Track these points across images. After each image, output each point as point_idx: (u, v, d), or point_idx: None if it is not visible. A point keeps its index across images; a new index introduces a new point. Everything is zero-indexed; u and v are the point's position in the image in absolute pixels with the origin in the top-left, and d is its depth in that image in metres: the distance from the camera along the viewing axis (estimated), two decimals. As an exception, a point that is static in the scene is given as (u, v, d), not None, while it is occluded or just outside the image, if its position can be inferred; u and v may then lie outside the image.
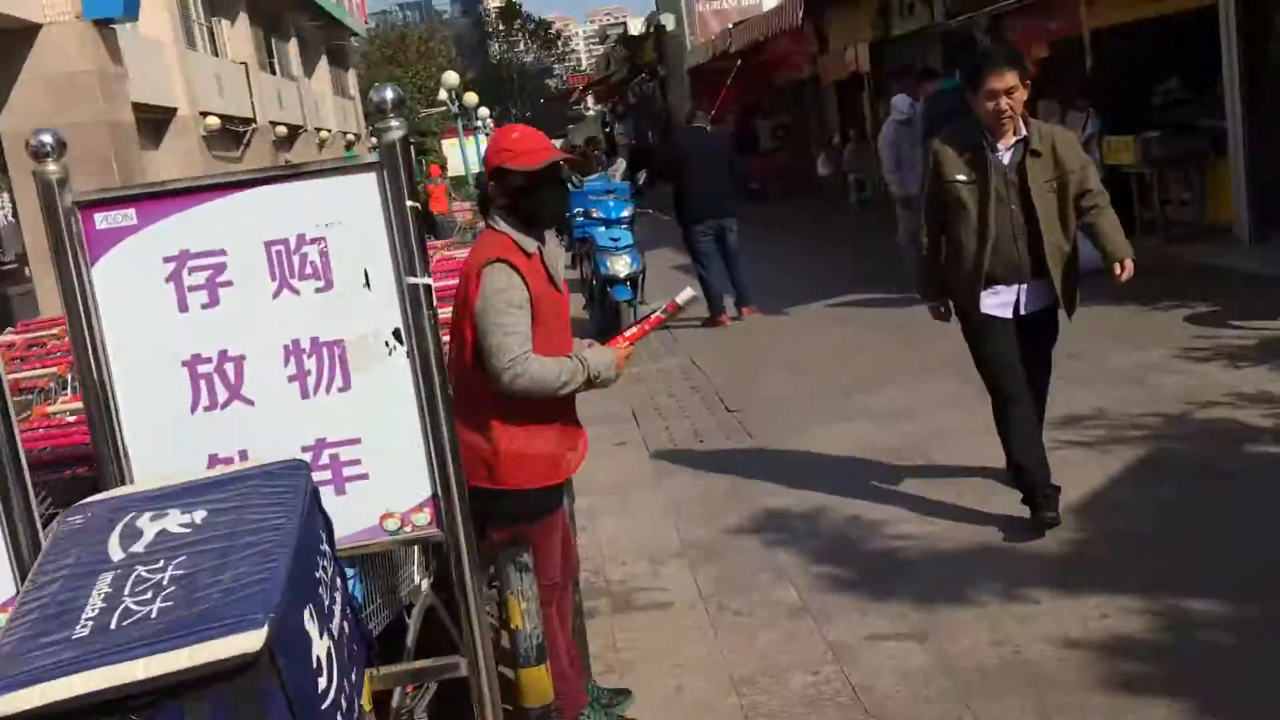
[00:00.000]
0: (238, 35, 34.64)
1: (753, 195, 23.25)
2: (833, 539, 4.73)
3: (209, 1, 34.05)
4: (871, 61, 17.16)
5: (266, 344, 2.72)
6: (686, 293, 3.41)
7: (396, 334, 2.71)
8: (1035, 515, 4.41)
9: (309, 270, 2.70)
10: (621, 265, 9.32)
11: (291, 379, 2.73)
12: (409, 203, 2.67)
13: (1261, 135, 9.32)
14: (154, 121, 27.33)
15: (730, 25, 18.24)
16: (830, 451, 5.88)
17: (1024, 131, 4.31)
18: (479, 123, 48.97)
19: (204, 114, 28.46)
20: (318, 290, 2.71)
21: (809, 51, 19.45)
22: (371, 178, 2.68)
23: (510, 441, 3.13)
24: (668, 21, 25.81)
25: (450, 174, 23.26)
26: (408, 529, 2.78)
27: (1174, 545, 4.21)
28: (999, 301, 4.45)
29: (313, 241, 2.70)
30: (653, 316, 3.38)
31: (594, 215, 9.60)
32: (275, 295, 2.71)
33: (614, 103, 35.30)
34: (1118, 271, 4.40)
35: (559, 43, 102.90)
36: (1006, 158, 4.33)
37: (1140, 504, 4.62)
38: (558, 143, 43.31)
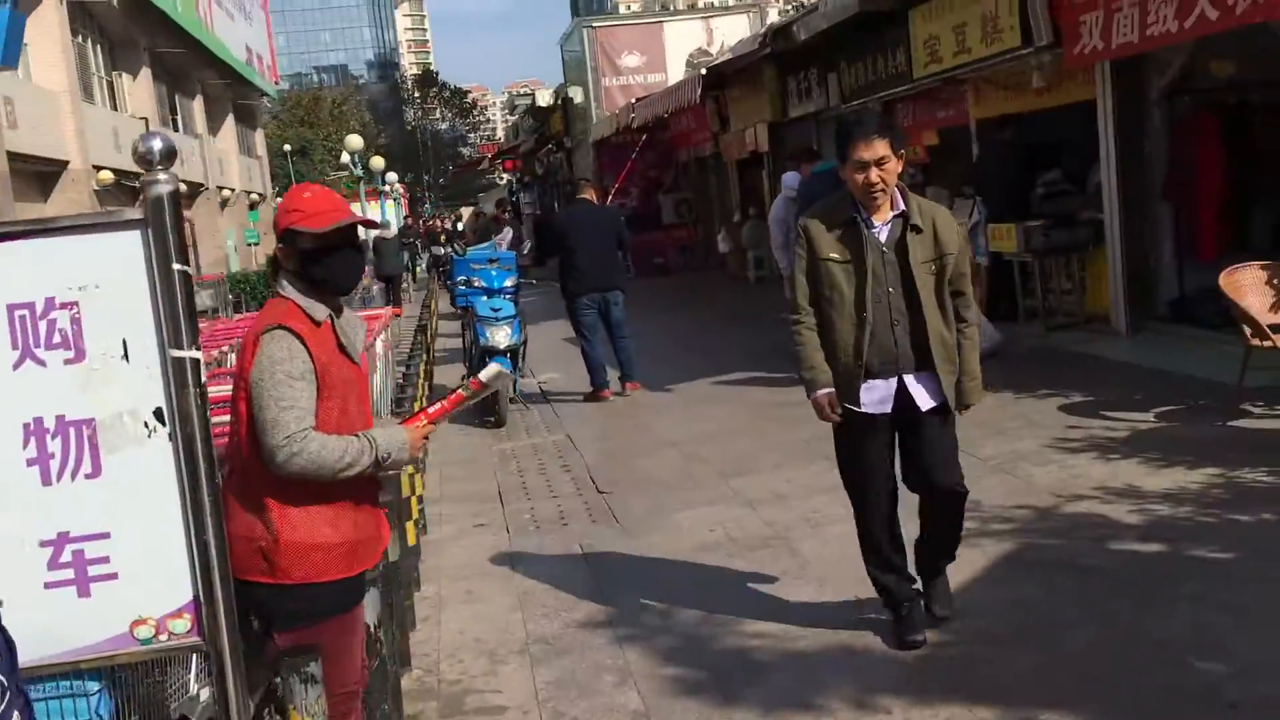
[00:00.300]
0: (139, 90, 33.96)
1: (655, 269, 23.34)
2: (686, 636, 4.46)
3: (110, 55, 33.42)
4: (770, 141, 17.31)
5: (3, 422, 2.39)
6: (491, 368, 3.14)
7: (158, 414, 2.41)
8: (899, 634, 4.13)
9: (57, 339, 2.39)
10: (501, 336, 9.05)
11: (31, 463, 2.40)
12: (177, 265, 2.38)
13: (1137, 229, 9.48)
14: (42, 174, 26.49)
15: (633, 100, 18.31)
16: (696, 538, 5.64)
17: (901, 205, 3.96)
18: (386, 187, 48.89)
19: (98, 168, 27.68)
20: (67, 362, 2.40)
21: (711, 129, 19.59)
22: (135, 236, 2.39)
23: (293, 530, 2.80)
24: (575, 94, 25.91)
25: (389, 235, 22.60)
26: (163, 637, 2.45)
27: (1034, 648, 4.03)
28: (876, 398, 4.00)
29: (63, 306, 2.39)
30: (455, 394, 3.10)
31: (476, 284, 9.33)
32: (16, 366, 2.39)
33: (521, 172, 35.30)
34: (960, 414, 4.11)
35: (474, 112, 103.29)
36: (883, 234, 3.96)
37: (1003, 604, 4.45)
38: (466, 211, 43.15)
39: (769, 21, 20.87)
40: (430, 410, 3.04)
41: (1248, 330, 6.40)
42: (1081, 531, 5.11)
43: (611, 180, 23.34)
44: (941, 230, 3.98)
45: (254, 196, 48.33)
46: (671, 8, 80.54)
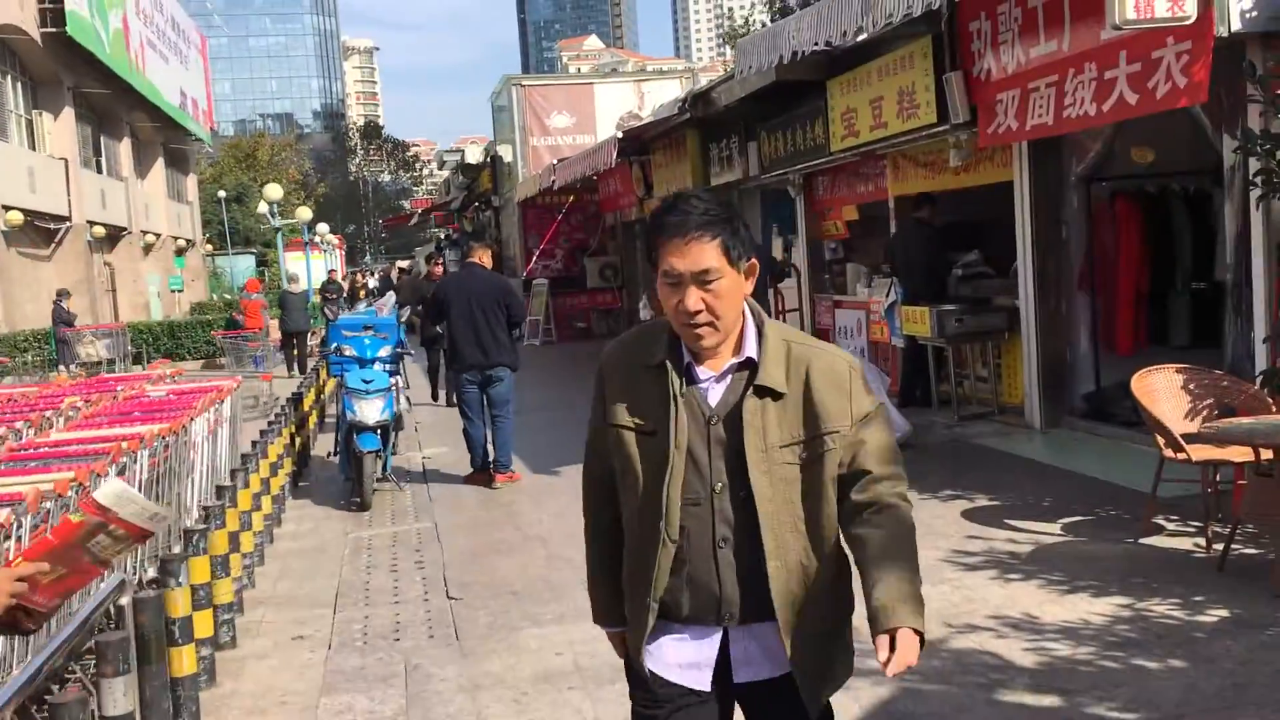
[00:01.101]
0: (60, 129, 32.87)
1: (577, 333, 22.73)
2: (491, 804, 3.72)
3: (31, 93, 32.36)
4: (693, 209, 16.82)
5: None
6: (110, 487, 2.20)
7: None
8: None
9: None
10: (371, 411, 8.30)
11: None
12: None
13: (1053, 317, 9.03)
14: (-57, 212, 25.33)
15: (555, 161, 17.81)
16: (540, 663, 4.92)
17: (747, 350, 2.32)
18: (314, 238, 47.93)
19: (6, 208, 26.58)
20: None
21: (637, 194, 19.12)
22: None
23: None
24: (504, 152, 25.40)
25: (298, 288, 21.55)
26: None
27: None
28: (682, 658, 2.36)
29: None
30: (64, 523, 2.23)
31: (346, 353, 8.59)
32: None
33: (452, 229, 34.63)
34: (882, 657, 2.11)
35: (416, 165, 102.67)
36: (712, 393, 2.33)
37: (868, 771, 3.78)
38: (405, 263, 41.97)
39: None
40: (36, 543, 2.20)
41: (1161, 440, 5.87)
42: (970, 674, 4.46)
43: (536, 241, 22.79)
44: (820, 391, 2.28)
45: (181, 242, 47.18)
46: (620, 71, 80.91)
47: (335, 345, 8.71)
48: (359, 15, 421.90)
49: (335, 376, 8.79)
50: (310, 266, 36.84)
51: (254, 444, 7.33)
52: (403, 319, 9.19)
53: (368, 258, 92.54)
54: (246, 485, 6.30)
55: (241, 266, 52.53)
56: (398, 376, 11.44)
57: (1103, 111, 7.25)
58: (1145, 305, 8.75)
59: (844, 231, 12.88)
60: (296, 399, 9.87)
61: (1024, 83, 8.13)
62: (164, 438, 5.16)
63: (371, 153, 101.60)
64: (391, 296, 11.28)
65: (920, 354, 10.45)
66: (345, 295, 27.43)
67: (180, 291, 43.54)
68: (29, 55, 30.90)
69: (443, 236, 37.29)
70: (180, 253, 46.68)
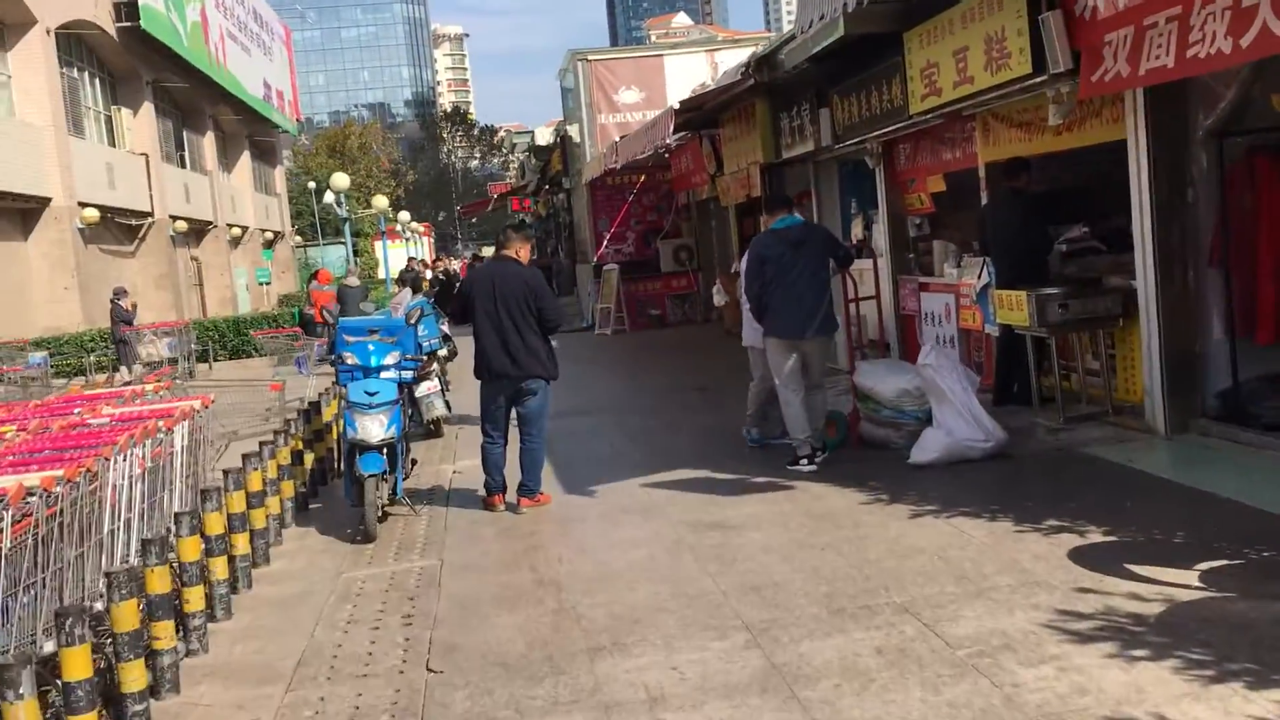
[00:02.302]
0: (140, 125, 32.81)
1: (651, 321, 21.57)
2: None
3: (110, 89, 32.30)
4: (765, 184, 15.52)
5: None
6: None
7: None
8: None
9: None
10: (375, 428, 7.25)
11: None
12: None
13: (1179, 301, 7.56)
14: (23, 211, 25.24)
15: (617, 138, 16.63)
16: (510, 781, 3.79)
17: None
18: (398, 226, 47.61)
19: (83, 205, 26.45)
20: None
21: (709, 172, 17.85)
22: None
23: None
24: (573, 132, 24.29)
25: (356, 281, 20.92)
26: None
27: None
28: None
29: None
30: None
31: (349, 361, 7.55)
32: None
33: (527, 212, 33.74)
34: None
35: (504, 150, 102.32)
36: None
37: None
38: (490, 251, 41.38)
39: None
40: None
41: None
42: (1082, 821, 3.20)
43: (607, 225, 21.67)
44: None
45: (269, 234, 47.26)
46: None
47: (337, 352, 7.68)
48: (448, 2, 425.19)
49: (343, 386, 7.76)
50: (387, 256, 36.43)
51: (226, 474, 6.34)
52: (442, 324, 8.08)
53: (459, 245, 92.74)
54: (195, 532, 5.28)
55: (333, 257, 52.63)
56: (428, 382, 10.50)
57: (1240, 48, 5.80)
58: (1292, 285, 7.24)
59: (929, 205, 11.45)
60: (311, 409, 8.90)
61: (1138, 18, 6.68)
62: (48, 490, 4.14)
63: (459, 138, 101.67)
64: (408, 293, 10.27)
65: (1018, 344, 9.04)
66: (430, 285, 26.64)
67: (268, 284, 43.57)
68: (105, 51, 30.80)
69: (522, 222, 36.45)
70: (268, 245, 46.77)
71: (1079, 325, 8.35)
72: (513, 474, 7.66)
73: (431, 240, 74.90)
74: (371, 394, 7.36)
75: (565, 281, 26.82)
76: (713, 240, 21.41)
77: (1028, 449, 7.73)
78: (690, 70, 21.87)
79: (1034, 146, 9.01)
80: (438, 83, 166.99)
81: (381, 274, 38.60)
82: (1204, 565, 5.03)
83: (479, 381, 7.70)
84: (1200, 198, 7.47)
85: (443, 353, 14.78)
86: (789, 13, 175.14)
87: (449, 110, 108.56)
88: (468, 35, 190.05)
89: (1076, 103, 8.01)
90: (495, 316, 7.44)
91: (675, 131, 15.51)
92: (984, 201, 9.90)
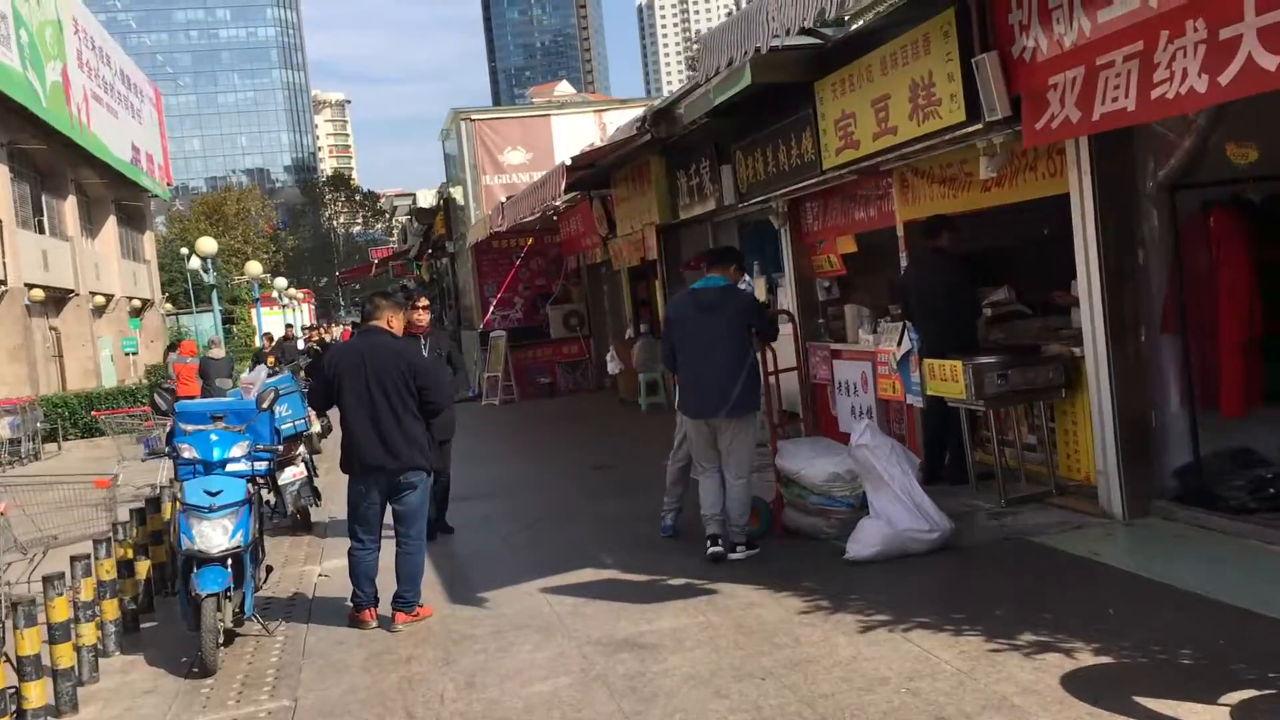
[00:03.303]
0: (-6, 189, 30.64)
1: (541, 390, 20.50)
2: None
3: (-39, 152, 30.10)
4: (662, 247, 14.71)
5: None
6: None
7: None
8: None
9: None
10: (216, 535, 6.02)
11: None
12: None
13: (1131, 370, 6.84)
14: None
15: (503, 199, 15.67)
16: None
17: None
18: (275, 293, 45.75)
19: (-64, 267, 24.28)
20: None
21: (600, 233, 17.00)
22: None
23: None
24: (457, 194, 23.25)
25: (220, 353, 19.44)
26: None
27: None
28: None
29: None
30: None
31: (186, 454, 6.31)
32: None
33: (410, 278, 32.43)
34: None
35: (388, 215, 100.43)
36: None
37: None
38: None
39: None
40: None
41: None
42: None
43: (493, 289, 20.62)
44: None
45: (137, 302, 44.86)
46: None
47: (173, 444, 6.42)
48: (329, 69, 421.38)
49: (180, 483, 6.49)
50: (261, 324, 34.73)
51: (15, 606, 5.04)
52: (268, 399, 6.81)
53: (341, 311, 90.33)
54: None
55: (206, 325, 50.34)
56: (293, 468, 9.26)
57: (1219, 86, 5.11)
58: (1256, 351, 6.59)
59: (839, 267, 10.71)
60: (146, 508, 7.58)
61: (1090, 58, 6.00)
62: None
63: (341, 204, 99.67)
64: (262, 371, 9.03)
65: (949, 418, 8.27)
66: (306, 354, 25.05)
67: (135, 354, 41.10)
68: (-46, 112, 28.75)
69: (396, 290, 35.13)
70: (136, 313, 44.33)
71: (1019, 397, 7.59)
72: (387, 583, 6.49)
73: (312, 307, 72.63)
74: (213, 493, 6.13)
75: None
76: (605, 305, 20.54)
77: (974, 538, 6.87)
78: (578, 130, 21.10)
79: (960, 203, 8.31)
80: (319, 148, 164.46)
81: (257, 343, 36.84)
82: (1230, 697, 4.15)
83: (346, 476, 6.54)
84: (1152, 257, 6.80)
85: (315, 429, 13.45)
86: (669, 83, 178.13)
87: (330, 175, 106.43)
88: (349, 102, 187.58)
89: (1011, 154, 7.33)
90: (367, 399, 6.31)
91: (566, 191, 14.63)
92: (903, 263, 9.17)
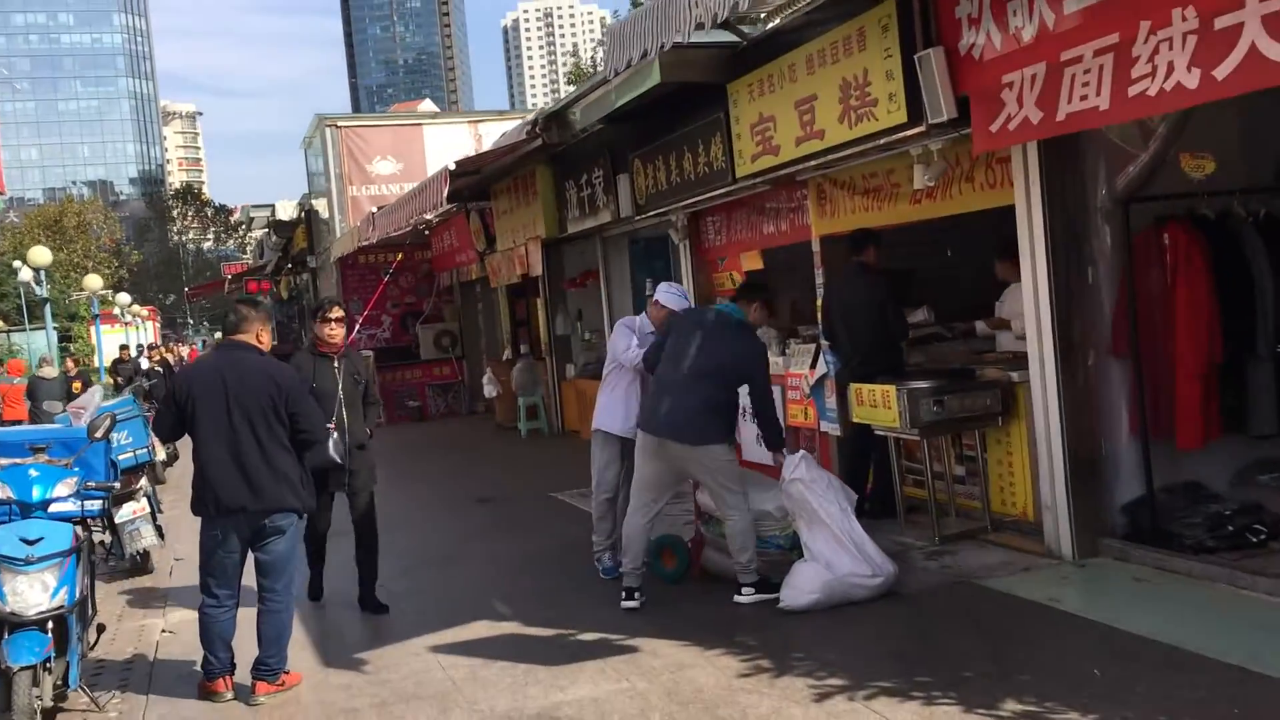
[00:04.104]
0: None
1: (410, 414, 19.37)
2: None
3: None
4: (546, 263, 13.88)
5: None
6: None
7: None
8: None
9: None
10: (33, 593, 4.91)
11: None
12: None
13: (1079, 396, 6.32)
14: None
15: (373, 210, 14.60)
16: None
17: None
18: (117, 309, 43.07)
19: None
20: None
21: (477, 249, 16.06)
22: None
23: None
24: (320, 206, 21.93)
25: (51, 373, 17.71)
26: None
27: None
28: None
29: None
30: None
31: (3, 497, 5.18)
32: None
33: (274, 296, 30.65)
34: None
35: (241, 231, 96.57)
36: None
37: None
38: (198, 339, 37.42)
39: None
40: None
41: None
42: None
43: (359, 307, 19.37)
44: None
45: (-43, 318, 41.61)
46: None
47: (-18, 483, 5.27)
48: (181, 80, 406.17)
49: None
50: (101, 342, 32.52)
51: None
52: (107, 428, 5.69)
53: (188, 330, 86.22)
54: None
55: (41, 343, 47.05)
56: (133, 503, 8.09)
57: (1214, 80, 4.59)
58: (1214, 378, 6.13)
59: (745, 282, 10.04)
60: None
61: (1053, 53, 5.45)
62: None
63: (191, 218, 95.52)
64: (96, 394, 7.82)
65: (868, 446, 7.66)
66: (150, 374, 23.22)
67: (-43, 372, 38.05)
68: None
69: (255, 302, 33.25)
70: (-49, 329, 41.14)
71: (954, 425, 7.01)
72: (246, 645, 5.46)
73: (157, 325, 69.00)
74: (31, 542, 5.01)
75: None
76: (479, 325, 19.56)
77: (916, 582, 6.22)
78: (452, 141, 20.08)
79: (886, 216, 7.74)
80: (168, 160, 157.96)
81: (96, 362, 34.44)
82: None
83: (199, 519, 5.48)
84: (1102, 275, 6.30)
85: (160, 457, 12.10)
86: (534, 103, 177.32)
87: (179, 188, 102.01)
88: (201, 114, 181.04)
89: (950, 163, 6.77)
90: (227, 427, 5.28)
91: (432, 196, 13.68)
92: (818, 280, 8.56)
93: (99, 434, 5.57)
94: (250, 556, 5.43)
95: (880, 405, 7.01)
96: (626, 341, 6.91)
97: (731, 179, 8.55)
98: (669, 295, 6.97)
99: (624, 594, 6.20)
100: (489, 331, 19.03)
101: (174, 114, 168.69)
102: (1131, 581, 5.84)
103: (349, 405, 6.62)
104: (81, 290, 42.56)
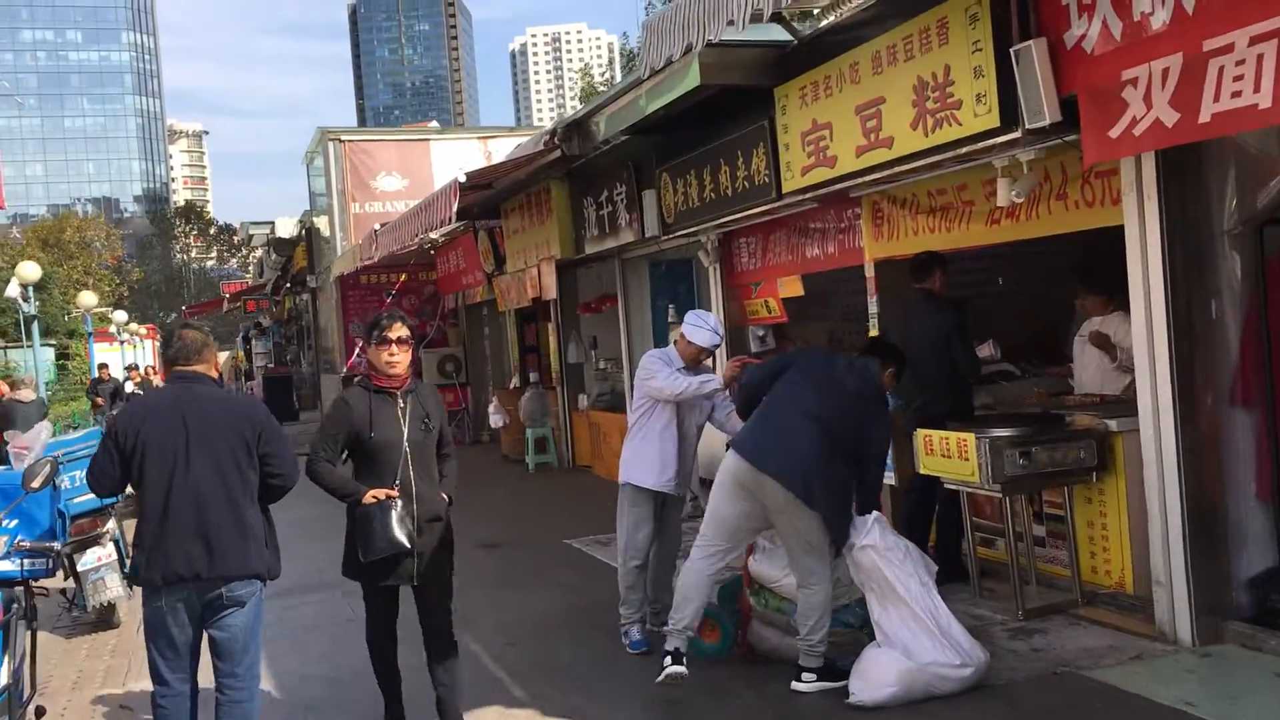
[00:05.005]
0: None
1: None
2: None
3: None
4: (560, 286, 12.96)
5: None
6: None
7: None
8: None
9: None
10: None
11: None
12: None
13: (1204, 452, 5.37)
14: None
15: (375, 227, 13.72)
16: None
17: None
18: (113, 328, 42.19)
19: None
20: None
21: (485, 270, 15.16)
22: None
23: None
24: (322, 223, 21.06)
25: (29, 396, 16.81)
26: None
27: None
28: None
29: None
30: None
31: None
32: None
33: (266, 314, 29.85)
34: None
35: (244, 249, 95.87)
36: None
37: None
38: (225, 355, 36.51)
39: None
40: None
41: None
42: None
43: (360, 329, 18.44)
44: None
45: (-51, 335, 40.80)
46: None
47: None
48: (188, 99, 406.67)
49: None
50: (94, 361, 31.59)
51: None
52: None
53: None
54: None
55: (42, 360, 46.14)
56: (98, 549, 7.15)
57: None
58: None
59: (780, 312, 9.15)
60: None
61: (1193, 41, 4.53)
62: None
63: (194, 237, 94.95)
64: (43, 430, 6.86)
65: (943, 502, 6.70)
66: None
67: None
68: None
69: (250, 326, 32.45)
70: (-54, 347, 40.29)
71: (1041, 480, 6.05)
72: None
73: (156, 344, 68.17)
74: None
75: (309, 395, 23.20)
76: (485, 351, 18.62)
77: (1006, 668, 5.24)
78: (461, 157, 19.20)
79: (954, 238, 6.81)
80: (173, 179, 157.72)
81: (34, 393, 33.54)
82: None
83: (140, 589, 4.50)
84: (1228, 309, 5.37)
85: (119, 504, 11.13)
86: (539, 118, 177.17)
87: (181, 206, 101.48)
88: (207, 133, 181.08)
89: (1042, 176, 5.85)
90: (184, 475, 4.31)
91: (440, 210, 12.78)
92: (872, 309, 7.63)
93: (35, 484, 4.61)
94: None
95: (955, 455, 6.05)
96: (667, 371, 5.92)
97: (776, 194, 7.63)
98: (695, 329, 5.92)
99: (667, 657, 5.19)
100: (496, 358, 18.09)
101: (180, 133, 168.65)
102: (1273, 678, 4.87)
103: (418, 461, 4.81)
104: (76, 308, 41.71)
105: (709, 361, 6.19)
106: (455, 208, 9.44)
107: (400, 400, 4.82)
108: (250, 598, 4.42)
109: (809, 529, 5.06)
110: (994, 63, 5.40)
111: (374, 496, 4.70)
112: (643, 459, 5.96)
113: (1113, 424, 5.98)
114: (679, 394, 5.78)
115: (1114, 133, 4.92)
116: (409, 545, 4.69)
